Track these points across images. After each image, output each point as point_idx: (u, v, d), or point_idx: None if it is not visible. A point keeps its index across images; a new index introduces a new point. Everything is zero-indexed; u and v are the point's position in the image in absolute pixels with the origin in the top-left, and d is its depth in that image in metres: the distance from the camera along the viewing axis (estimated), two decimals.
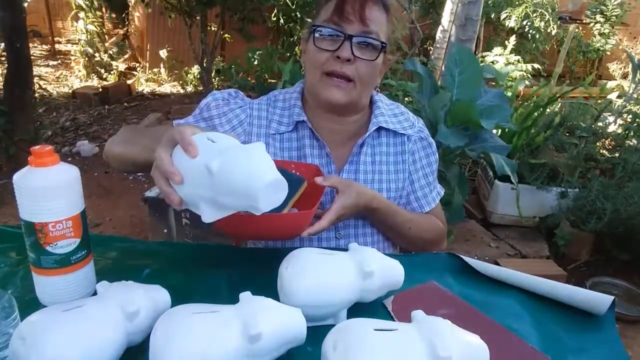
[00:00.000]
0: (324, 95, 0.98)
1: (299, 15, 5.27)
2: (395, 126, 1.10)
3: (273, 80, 5.03)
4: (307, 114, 1.05)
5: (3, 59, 4.37)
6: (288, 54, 5.40)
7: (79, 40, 6.09)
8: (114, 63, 6.21)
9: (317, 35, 0.96)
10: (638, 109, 3.12)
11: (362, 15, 0.93)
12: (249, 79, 5.27)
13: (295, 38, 5.60)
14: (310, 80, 1.01)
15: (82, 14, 5.81)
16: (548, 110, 3.24)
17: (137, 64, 6.57)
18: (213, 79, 5.46)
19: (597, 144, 2.94)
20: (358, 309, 0.77)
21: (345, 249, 0.80)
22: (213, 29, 5.13)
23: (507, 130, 2.93)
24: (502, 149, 2.18)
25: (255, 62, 5.25)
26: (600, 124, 3.05)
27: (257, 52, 5.24)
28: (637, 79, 3.05)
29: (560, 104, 3.39)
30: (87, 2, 5.66)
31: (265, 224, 0.83)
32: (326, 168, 1.05)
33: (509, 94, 3.19)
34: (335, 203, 0.91)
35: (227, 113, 1.05)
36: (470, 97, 2.19)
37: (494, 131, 2.83)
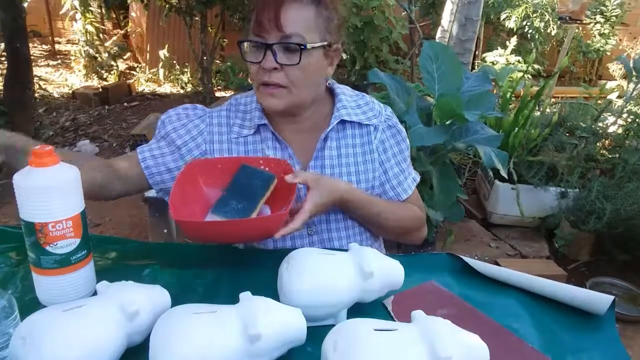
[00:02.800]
0: (263, 104, 1.01)
1: None
2: (359, 117, 1.08)
3: None
4: (267, 116, 1.05)
5: (3, 59, 4.36)
6: None
7: (78, 40, 6.08)
8: (113, 63, 6.20)
9: (243, 49, 0.98)
10: (638, 109, 3.11)
11: (277, 22, 0.93)
12: (250, 80, 5.25)
13: None
14: (254, 90, 1.04)
15: (78, 15, 5.78)
16: (548, 110, 3.23)
17: (137, 64, 6.56)
18: (213, 79, 5.45)
19: (597, 144, 2.94)
20: (358, 309, 0.77)
21: (346, 249, 0.81)
22: (212, 29, 5.13)
23: (500, 129, 2.91)
24: (494, 139, 2.12)
25: None
26: (600, 124, 3.05)
27: None
28: (632, 80, 3.04)
29: (560, 104, 3.38)
30: (81, 3, 5.63)
31: (234, 229, 0.84)
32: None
33: (508, 95, 3.18)
34: (307, 202, 0.91)
35: (187, 124, 1.07)
36: (453, 89, 2.13)
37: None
